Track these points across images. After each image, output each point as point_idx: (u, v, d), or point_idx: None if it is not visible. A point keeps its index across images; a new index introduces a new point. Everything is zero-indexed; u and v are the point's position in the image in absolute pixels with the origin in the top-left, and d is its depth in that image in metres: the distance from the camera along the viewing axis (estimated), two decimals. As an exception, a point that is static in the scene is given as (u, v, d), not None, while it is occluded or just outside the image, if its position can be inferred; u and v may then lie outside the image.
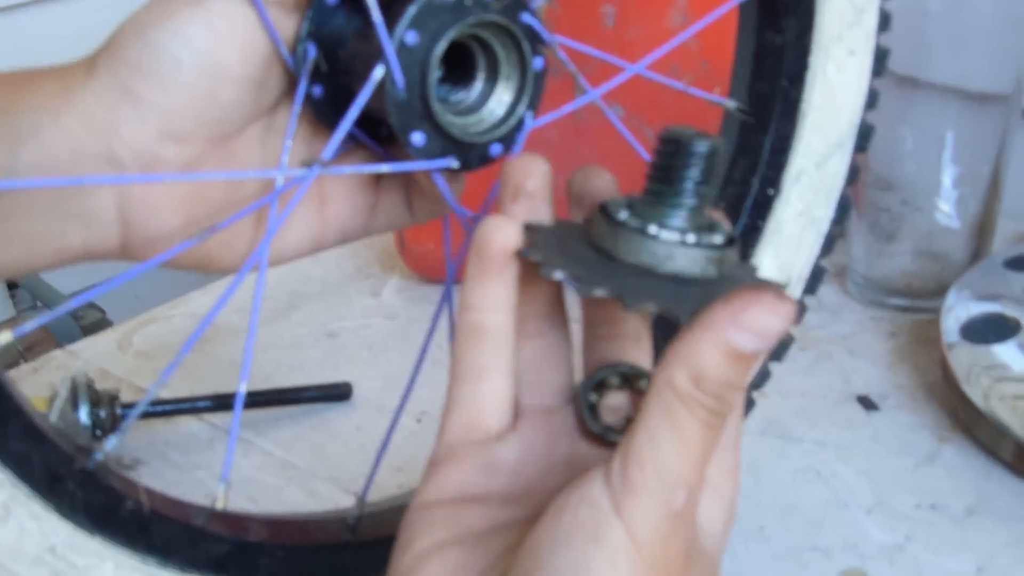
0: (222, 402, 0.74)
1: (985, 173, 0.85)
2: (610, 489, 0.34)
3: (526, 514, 0.37)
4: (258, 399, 0.76)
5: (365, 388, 0.79)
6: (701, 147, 0.38)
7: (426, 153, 0.43)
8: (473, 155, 0.45)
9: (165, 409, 0.73)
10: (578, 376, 0.43)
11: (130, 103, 0.40)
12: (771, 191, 0.57)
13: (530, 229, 0.39)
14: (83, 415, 0.67)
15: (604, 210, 0.38)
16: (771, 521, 0.65)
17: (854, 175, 0.59)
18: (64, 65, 0.41)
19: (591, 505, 0.34)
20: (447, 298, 0.50)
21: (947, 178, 0.85)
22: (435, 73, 0.42)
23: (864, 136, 0.59)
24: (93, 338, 0.87)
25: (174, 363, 0.44)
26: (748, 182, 0.57)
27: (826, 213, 0.59)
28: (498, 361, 0.40)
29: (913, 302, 0.87)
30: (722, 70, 0.81)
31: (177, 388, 0.78)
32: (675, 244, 0.37)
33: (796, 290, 0.60)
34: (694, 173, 0.38)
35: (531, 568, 0.34)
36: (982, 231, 0.87)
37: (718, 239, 0.37)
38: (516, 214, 0.40)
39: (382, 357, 0.83)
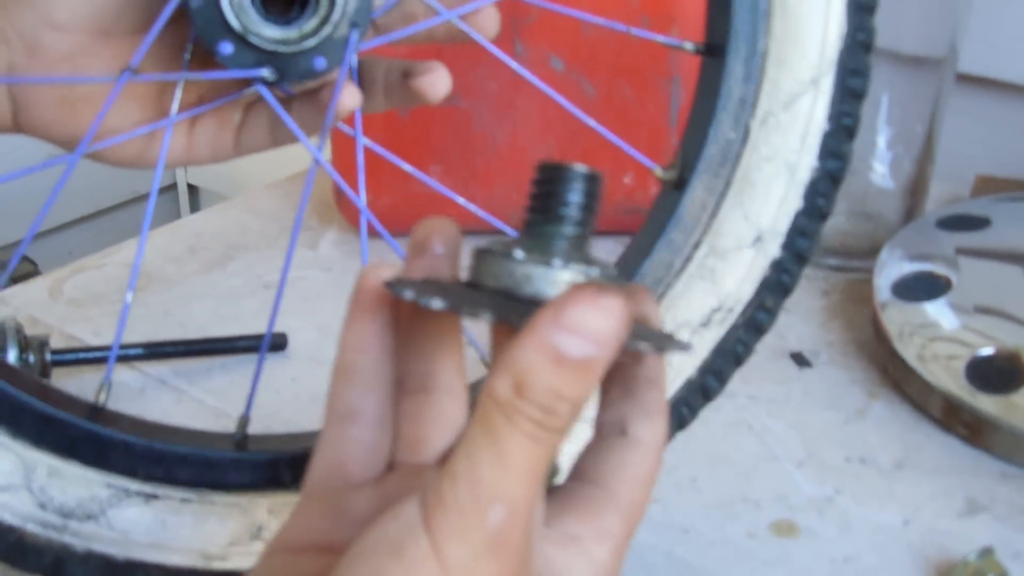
0: (154, 350, 0.73)
1: (919, 135, 0.86)
2: (423, 505, 0.31)
3: None
4: (192, 348, 0.75)
5: (300, 339, 0.78)
6: (577, 171, 0.36)
7: (235, 64, 0.45)
8: (293, 68, 0.46)
9: (96, 356, 0.72)
10: None
11: None
12: (733, 136, 0.54)
13: (428, 282, 0.37)
14: (11, 359, 0.65)
15: (479, 248, 0.37)
16: (703, 472, 0.65)
17: (849, 116, 0.54)
18: None
19: (400, 520, 0.31)
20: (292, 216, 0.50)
21: (882, 139, 0.86)
22: None
23: (857, 73, 0.53)
24: (23, 285, 0.85)
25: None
26: (708, 127, 0.54)
27: (804, 160, 0.54)
28: (367, 406, 0.39)
29: (847, 261, 0.88)
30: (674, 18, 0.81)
31: (109, 335, 0.77)
32: (533, 265, 0.35)
33: (772, 246, 0.54)
34: (572, 199, 0.36)
35: None
36: (915, 192, 0.88)
37: (593, 271, 0.35)
38: (414, 270, 0.39)
39: (318, 308, 0.83)
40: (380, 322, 0.39)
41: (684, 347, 0.34)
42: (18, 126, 0.47)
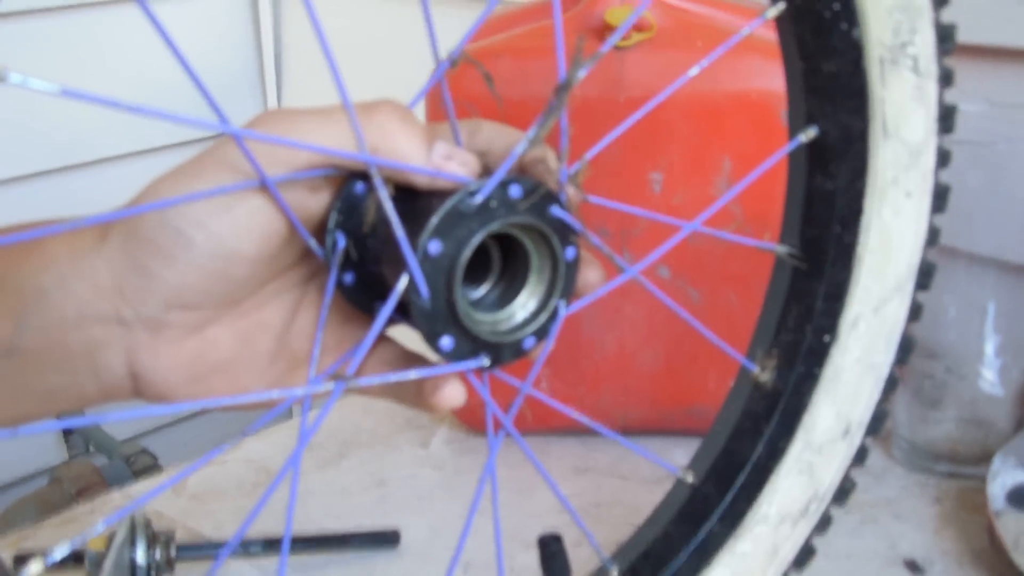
0: (273, 545, 0.75)
1: (1028, 342, 0.86)
2: None
3: None
4: (307, 544, 0.77)
5: (412, 536, 0.79)
6: None
7: (456, 356, 0.42)
8: (506, 351, 0.43)
9: (218, 551, 0.74)
10: None
11: (139, 274, 0.40)
12: (827, 338, 0.55)
13: None
14: (139, 555, 0.68)
15: None
16: None
17: (916, 313, 0.57)
18: (74, 230, 0.41)
19: None
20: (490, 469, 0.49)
21: (990, 347, 0.86)
22: (461, 280, 0.41)
23: (925, 274, 0.57)
24: (148, 481, 0.88)
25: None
26: (802, 329, 0.56)
27: (886, 357, 0.57)
28: None
29: (958, 468, 0.87)
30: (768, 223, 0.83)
31: (229, 529, 0.79)
32: None
33: (856, 436, 0.57)
34: None
35: None
36: (1026, 399, 0.88)
37: None
38: None
39: (429, 507, 0.84)
40: None
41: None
42: (142, 397, 0.44)
